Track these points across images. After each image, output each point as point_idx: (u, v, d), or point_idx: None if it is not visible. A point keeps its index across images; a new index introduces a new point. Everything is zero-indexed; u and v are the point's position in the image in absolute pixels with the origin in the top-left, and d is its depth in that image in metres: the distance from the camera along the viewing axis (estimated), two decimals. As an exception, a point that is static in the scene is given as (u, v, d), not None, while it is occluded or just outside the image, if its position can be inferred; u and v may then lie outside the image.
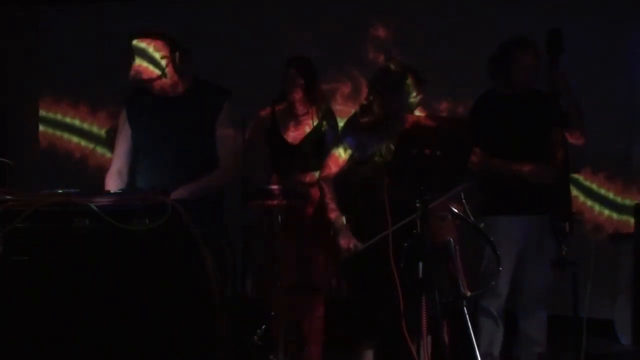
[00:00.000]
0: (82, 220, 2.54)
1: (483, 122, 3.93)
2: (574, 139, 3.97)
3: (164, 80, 3.36)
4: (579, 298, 3.80)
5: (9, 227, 2.50)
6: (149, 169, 3.49)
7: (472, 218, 3.28)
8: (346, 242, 3.49)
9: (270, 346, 4.11)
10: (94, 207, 2.52)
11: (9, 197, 2.60)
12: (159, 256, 2.57)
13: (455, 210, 3.26)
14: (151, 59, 3.30)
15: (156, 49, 3.32)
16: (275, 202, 3.91)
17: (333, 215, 3.58)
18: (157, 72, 3.31)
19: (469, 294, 3.18)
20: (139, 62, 3.33)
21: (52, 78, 5.58)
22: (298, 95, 4.20)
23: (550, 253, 3.93)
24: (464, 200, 3.27)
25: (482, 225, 3.58)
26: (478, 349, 3.29)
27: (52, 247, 2.55)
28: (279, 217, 3.91)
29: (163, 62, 3.31)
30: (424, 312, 2.96)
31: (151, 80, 3.35)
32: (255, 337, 4.10)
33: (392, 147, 3.43)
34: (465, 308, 3.12)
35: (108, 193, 3.05)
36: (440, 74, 5.18)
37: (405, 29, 5.22)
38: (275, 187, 3.95)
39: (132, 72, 3.32)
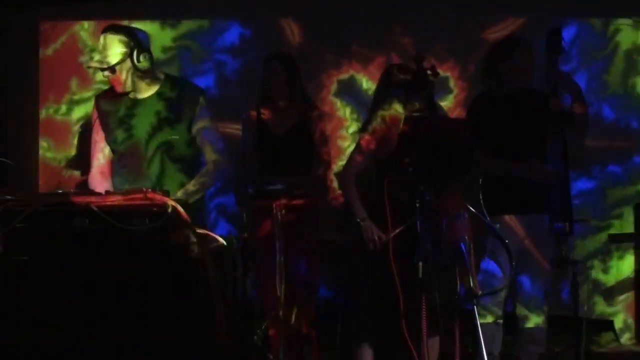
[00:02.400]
0: (82, 220, 2.54)
1: (480, 123, 3.92)
2: (576, 135, 3.97)
3: (119, 75, 3.37)
4: (579, 298, 3.80)
5: (9, 227, 2.50)
6: (125, 172, 3.48)
7: (488, 218, 3.27)
8: (372, 234, 3.50)
9: (269, 346, 4.11)
10: (94, 207, 2.52)
11: (9, 197, 2.60)
12: (159, 256, 2.57)
13: (472, 210, 3.25)
14: (107, 51, 3.33)
15: (114, 43, 3.33)
16: (275, 202, 3.91)
17: (360, 215, 3.58)
18: (106, 64, 3.33)
19: (480, 292, 3.17)
20: (98, 53, 3.38)
21: (52, 78, 5.58)
22: (280, 88, 4.21)
23: (550, 253, 3.93)
24: (481, 201, 3.26)
25: (497, 226, 3.57)
26: (478, 349, 3.29)
27: (52, 247, 2.55)
28: (279, 217, 3.91)
29: (117, 57, 3.32)
30: (424, 312, 2.96)
31: (101, 70, 3.37)
32: (255, 337, 4.10)
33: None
34: (475, 307, 3.12)
35: (108, 193, 3.04)
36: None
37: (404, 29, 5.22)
38: (275, 187, 3.95)
39: (89, 61, 3.41)
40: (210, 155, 3.46)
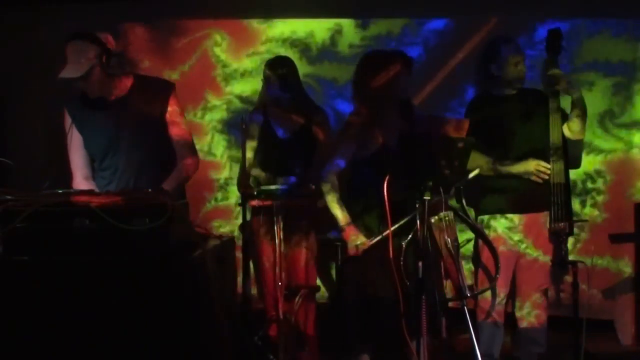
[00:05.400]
0: (82, 220, 2.54)
1: (479, 123, 3.93)
2: (574, 135, 3.97)
3: (91, 82, 3.40)
4: (579, 298, 3.80)
5: (9, 227, 2.51)
6: (106, 174, 3.53)
7: (471, 218, 3.29)
8: (354, 239, 3.50)
9: (270, 347, 4.11)
10: (94, 207, 2.52)
11: (9, 197, 2.60)
12: (159, 256, 2.57)
13: (456, 211, 3.27)
14: (76, 60, 3.35)
15: (82, 51, 3.35)
16: (275, 202, 3.91)
17: (339, 213, 3.58)
18: (78, 73, 3.35)
19: (468, 293, 3.19)
20: (67, 63, 3.39)
21: (52, 78, 5.58)
22: (276, 93, 4.24)
23: (550, 253, 3.93)
24: (463, 201, 3.28)
25: (481, 225, 3.58)
26: (478, 350, 3.30)
27: (52, 247, 2.55)
28: (279, 217, 3.92)
29: (87, 64, 3.35)
30: (424, 312, 2.96)
31: (73, 80, 3.39)
32: (256, 337, 4.10)
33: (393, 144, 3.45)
34: (465, 307, 3.12)
35: (108, 193, 3.05)
36: (440, 75, 5.22)
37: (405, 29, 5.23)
38: (275, 187, 3.95)
39: (61, 72, 3.39)
40: (181, 152, 3.53)
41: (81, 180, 3.56)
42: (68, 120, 3.55)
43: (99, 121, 3.50)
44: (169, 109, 3.52)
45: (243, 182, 4.02)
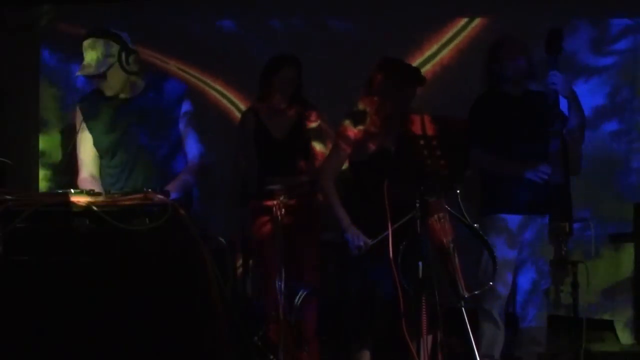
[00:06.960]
0: (82, 220, 2.54)
1: (482, 122, 3.94)
2: (574, 139, 3.98)
3: (109, 80, 3.40)
4: (579, 298, 3.81)
5: (9, 227, 2.51)
6: (114, 172, 3.53)
7: (468, 219, 3.29)
8: (356, 239, 3.51)
9: (270, 347, 4.12)
10: (94, 207, 2.52)
11: (9, 197, 2.60)
12: (159, 256, 2.58)
13: (453, 212, 3.27)
14: (96, 57, 3.35)
15: (102, 48, 3.35)
16: (275, 202, 3.91)
17: (341, 214, 3.61)
18: (98, 70, 3.35)
19: (467, 294, 3.19)
20: (86, 60, 3.38)
21: (52, 78, 5.59)
22: (289, 93, 4.23)
23: (550, 253, 3.94)
24: (460, 202, 3.28)
25: (477, 226, 3.58)
26: (479, 351, 3.30)
27: (52, 247, 2.55)
28: (279, 217, 3.92)
29: (108, 61, 3.35)
30: (424, 312, 2.97)
31: (92, 77, 3.40)
32: (256, 337, 4.10)
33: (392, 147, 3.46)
34: (463, 308, 3.13)
35: (108, 193, 3.05)
36: (439, 74, 5.22)
37: (404, 29, 5.23)
38: (276, 187, 3.95)
39: (79, 69, 3.39)
40: (191, 152, 3.53)
41: (86, 177, 3.55)
42: (79, 117, 3.55)
43: (111, 119, 3.49)
44: (182, 109, 3.52)
45: (240, 183, 4.03)
